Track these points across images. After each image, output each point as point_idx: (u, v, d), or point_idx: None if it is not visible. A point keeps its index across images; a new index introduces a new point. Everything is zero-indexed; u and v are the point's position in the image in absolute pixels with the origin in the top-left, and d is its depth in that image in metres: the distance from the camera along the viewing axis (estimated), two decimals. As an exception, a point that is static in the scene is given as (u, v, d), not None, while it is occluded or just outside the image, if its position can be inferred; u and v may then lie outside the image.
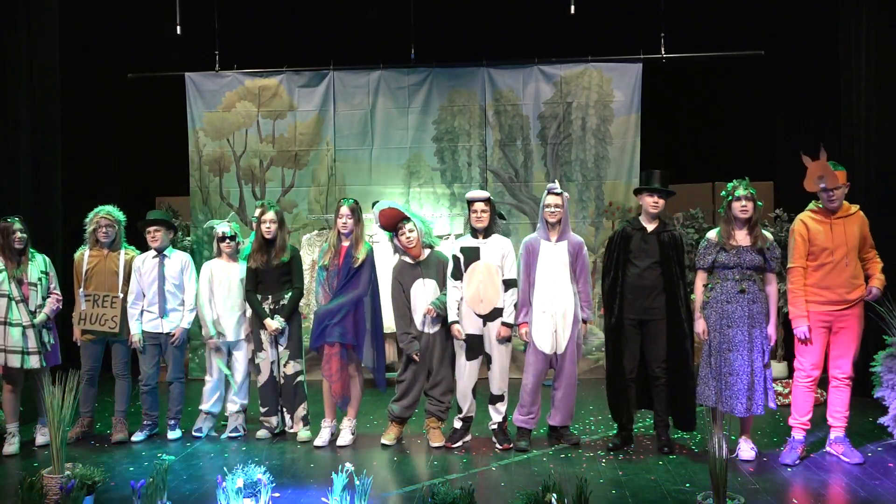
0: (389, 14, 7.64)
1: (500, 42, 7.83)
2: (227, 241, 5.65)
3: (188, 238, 7.84)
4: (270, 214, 5.49)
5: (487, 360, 5.31)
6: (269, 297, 5.50)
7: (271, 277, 5.49)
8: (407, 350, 5.29)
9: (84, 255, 5.64)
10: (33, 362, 5.28)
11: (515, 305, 5.23)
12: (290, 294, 5.51)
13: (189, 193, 8.06)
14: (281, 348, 5.54)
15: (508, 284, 5.23)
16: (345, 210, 5.34)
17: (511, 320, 5.21)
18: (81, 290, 5.58)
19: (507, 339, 5.26)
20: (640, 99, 7.65)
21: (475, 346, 5.28)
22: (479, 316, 5.23)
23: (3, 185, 6.70)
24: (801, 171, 4.86)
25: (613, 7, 7.49)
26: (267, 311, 5.49)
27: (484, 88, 7.81)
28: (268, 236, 5.48)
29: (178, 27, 6.97)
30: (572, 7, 6.42)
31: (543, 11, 7.35)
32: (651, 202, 5.10)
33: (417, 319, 5.31)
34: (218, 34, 7.71)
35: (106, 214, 5.62)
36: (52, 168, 7.04)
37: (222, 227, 5.68)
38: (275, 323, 5.46)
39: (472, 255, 5.25)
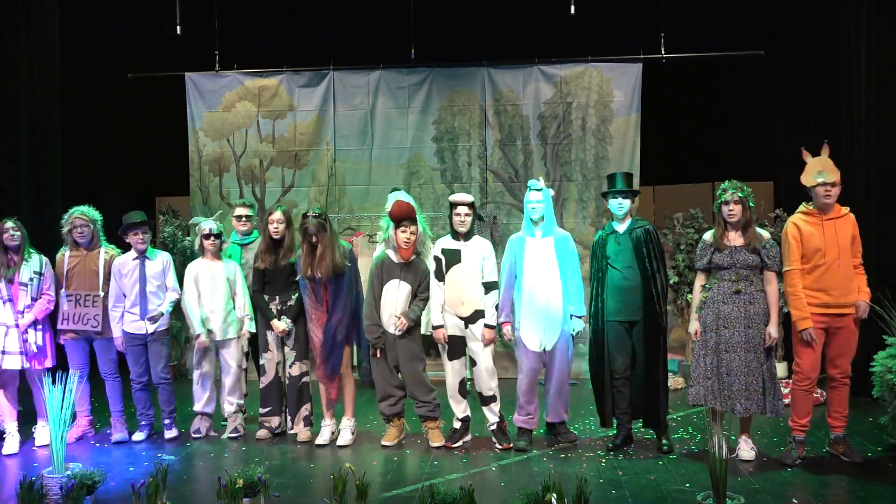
0: (389, 14, 7.64)
1: (500, 42, 7.83)
2: (213, 238, 5.59)
3: (188, 238, 7.84)
4: (278, 214, 5.47)
5: (472, 362, 5.31)
6: (276, 297, 5.49)
7: (279, 278, 5.47)
8: (375, 342, 5.27)
9: (65, 256, 5.61)
10: (12, 363, 5.26)
11: (496, 307, 5.25)
12: (296, 295, 5.49)
13: (189, 193, 8.06)
14: (287, 349, 5.53)
15: (489, 287, 5.25)
16: (311, 229, 5.18)
17: (493, 322, 5.23)
18: (63, 290, 5.56)
19: (493, 342, 5.28)
20: (640, 99, 7.64)
21: (457, 346, 5.29)
22: (461, 318, 5.24)
23: (3, 185, 6.71)
24: (801, 170, 4.85)
25: (613, 7, 7.48)
26: (274, 311, 5.48)
27: (484, 88, 7.80)
28: (276, 237, 5.45)
29: (178, 27, 6.97)
30: (572, 7, 6.42)
31: (543, 11, 7.35)
32: (616, 204, 5.16)
33: (383, 316, 5.30)
34: (218, 34, 7.71)
35: (80, 214, 5.57)
36: (52, 168, 7.04)
37: (209, 224, 5.63)
38: (282, 324, 5.45)
39: (453, 257, 5.26)
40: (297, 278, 5.38)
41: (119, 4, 7.69)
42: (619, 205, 5.15)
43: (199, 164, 8.03)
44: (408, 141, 7.89)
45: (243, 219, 5.91)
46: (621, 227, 5.18)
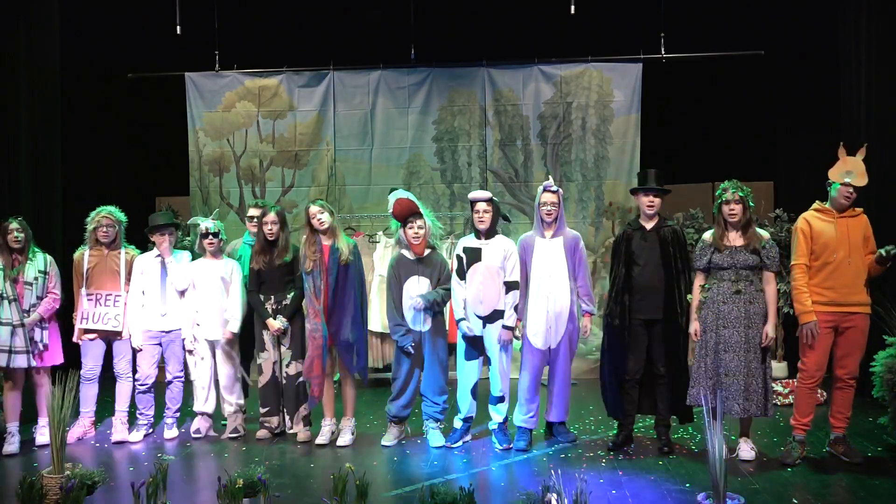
0: (389, 14, 7.64)
1: (500, 42, 7.82)
2: (211, 237, 5.61)
3: (188, 238, 7.83)
4: (272, 216, 5.48)
5: (487, 361, 5.31)
6: (272, 297, 5.49)
7: (274, 278, 5.48)
8: (401, 342, 5.26)
9: (84, 255, 5.64)
10: (20, 361, 5.28)
11: (516, 308, 5.22)
12: (292, 294, 5.50)
13: (189, 193, 8.05)
14: (283, 348, 5.53)
15: (510, 286, 5.22)
16: (315, 209, 5.31)
17: (511, 323, 5.21)
18: (83, 289, 5.58)
19: (510, 343, 5.26)
20: (640, 99, 7.65)
21: (475, 346, 5.28)
22: (479, 317, 5.23)
23: (3, 185, 6.71)
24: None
25: (613, 7, 7.48)
26: (269, 311, 5.49)
27: (484, 88, 7.80)
28: (270, 237, 5.47)
29: (178, 27, 6.97)
30: (572, 7, 6.42)
31: (543, 11, 7.35)
32: (647, 201, 5.11)
33: (408, 315, 5.30)
34: (218, 34, 7.70)
35: (107, 214, 5.62)
36: (52, 168, 7.05)
37: (206, 223, 5.66)
38: (277, 323, 5.45)
39: (473, 255, 5.25)
40: (302, 271, 5.37)
41: (119, 4, 7.69)
42: (649, 202, 5.11)
43: (199, 164, 8.03)
44: (408, 141, 7.89)
45: (255, 220, 5.92)
46: (649, 225, 5.14)
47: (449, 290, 5.31)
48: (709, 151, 8.25)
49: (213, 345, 5.66)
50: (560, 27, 7.22)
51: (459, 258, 5.30)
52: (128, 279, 5.65)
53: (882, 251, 4.65)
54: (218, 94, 7.99)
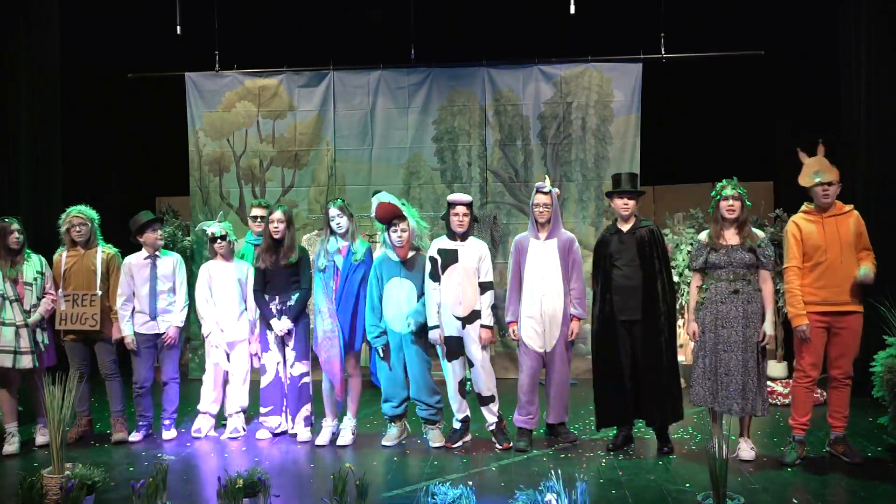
0: (389, 14, 7.64)
1: (500, 42, 7.82)
2: (219, 241, 5.62)
3: (188, 238, 7.84)
4: (278, 214, 5.47)
5: (471, 363, 5.31)
6: (277, 297, 5.48)
7: (279, 278, 5.47)
8: (373, 343, 5.29)
9: (62, 256, 5.60)
10: (25, 362, 5.28)
11: (493, 308, 5.26)
12: (297, 295, 5.49)
13: (189, 193, 8.06)
14: (288, 349, 5.53)
15: (484, 287, 5.25)
16: (334, 211, 5.35)
17: (489, 322, 5.23)
18: (60, 290, 5.53)
19: (490, 342, 5.30)
20: (640, 99, 7.65)
21: (454, 346, 5.28)
22: (458, 318, 5.23)
23: (3, 186, 6.71)
24: (801, 170, 4.86)
25: (613, 7, 7.48)
26: (274, 311, 5.48)
27: (484, 88, 7.80)
28: (276, 237, 5.45)
29: (178, 27, 6.97)
30: (572, 7, 6.41)
31: (543, 11, 7.34)
32: (621, 204, 5.15)
33: (387, 314, 5.30)
34: (218, 34, 7.71)
35: (78, 213, 5.58)
36: (52, 168, 7.05)
37: (213, 227, 5.66)
38: (282, 323, 5.45)
39: (449, 257, 5.25)
40: (315, 268, 5.40)
41: (119, 4, 7.69)
42: (623, 205, 5.14)
43: (199, 164, 8.03)
44: (408, 141, 7.89)
45: (258, 219, 5.93)
46: (625, 227, 5.17)
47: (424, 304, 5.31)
48: (709, 151, 8.25)
49: (229, 346, 5.65)
50: (560, 27, 7.21)
51: (433, 260, 5.29)
52: (104, 278, 5.58)
53: (859, 273, 4.64)
54: (218, 94, 8.00)
